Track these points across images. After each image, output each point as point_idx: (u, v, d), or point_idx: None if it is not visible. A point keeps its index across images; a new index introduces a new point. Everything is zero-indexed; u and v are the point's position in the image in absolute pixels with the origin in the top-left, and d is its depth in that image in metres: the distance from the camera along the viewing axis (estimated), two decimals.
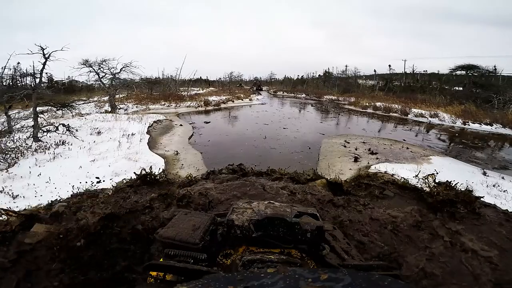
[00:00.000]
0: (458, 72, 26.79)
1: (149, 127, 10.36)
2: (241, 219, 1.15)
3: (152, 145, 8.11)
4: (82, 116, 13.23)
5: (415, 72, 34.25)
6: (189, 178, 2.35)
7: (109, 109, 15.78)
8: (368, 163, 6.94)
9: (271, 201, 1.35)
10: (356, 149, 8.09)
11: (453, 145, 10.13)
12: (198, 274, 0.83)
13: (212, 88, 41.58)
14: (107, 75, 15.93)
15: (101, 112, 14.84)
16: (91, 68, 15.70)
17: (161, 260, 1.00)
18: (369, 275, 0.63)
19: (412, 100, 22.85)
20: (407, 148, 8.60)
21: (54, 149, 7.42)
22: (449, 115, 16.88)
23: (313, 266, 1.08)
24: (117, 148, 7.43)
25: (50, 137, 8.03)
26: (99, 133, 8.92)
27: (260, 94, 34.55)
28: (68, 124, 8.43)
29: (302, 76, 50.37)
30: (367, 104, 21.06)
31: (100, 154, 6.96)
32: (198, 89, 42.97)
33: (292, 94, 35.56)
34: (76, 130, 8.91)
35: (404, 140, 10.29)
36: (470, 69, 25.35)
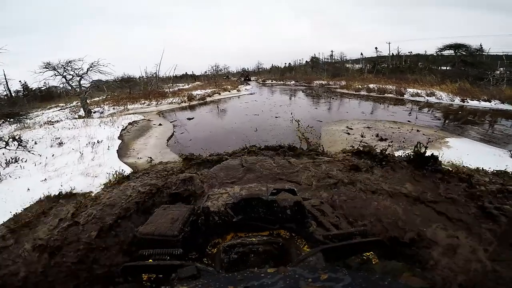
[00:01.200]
0: (445, 53, 26.28)
1: (122, 130, 9.05)
2: (216, 204, 1.16)
3: (122, 152, 6.86)
4: (52, 124, 11.83)
5: (400, 54, 33.58)
6: None
7: (83, 114, 14.38)
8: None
9: (250, 185, 1.41)
10: (362, 136, 6.97)
11: (462, 124, 9.16)
12: (172, 269, 0.80)
13: (198, 83, 39.96)
14: (74, 78, 14.33)
15: (73, 118, 13.41)
16: (55, 71, 14.10)
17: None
18: (369, 275, 0.64)
19: (403, 81, 22.11)
20: (418, 130, 7.57)
21: (4, 168, 6.14)
22: (446, 93, 16.04)
23: (303, 244, 1.05)
24: (78, 161, 6.17)
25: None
26: (60, 144, 7.58)
27: (249, 84, 33.19)
28: (19, 138, 7.09)
29: (289, 63, 48.82)
30: (359, 86, 20.02)
31: (55, 171, 5.69)
32: (183, 84, 41.33)
33: (281, 82, 34.34)
34: (35, 143, 7.62)
35: (409, 121, 9.30)
36: (458, 48, 24.83)
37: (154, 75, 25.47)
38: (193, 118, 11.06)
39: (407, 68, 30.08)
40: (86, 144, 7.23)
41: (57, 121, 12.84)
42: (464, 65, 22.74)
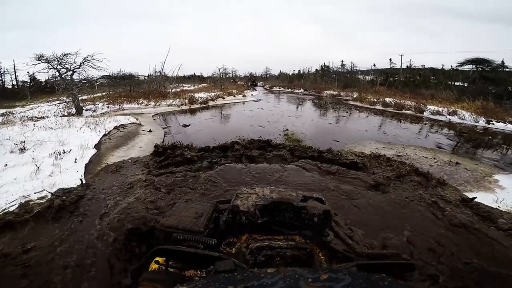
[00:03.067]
0: (462, 68, 25.33)
1: (104, 136, 7.74)
2: (246, 204, 1.15)
3: (91, 168, 5.51)
4: (37, 120, 10.63)
5: (412, 66, 32.47)
6: None
7: (75, 111, 13.14)
8: None
9: (274, 188, 1.34)
10: None
11: (500, 154, 7.73)
12: (209, 260, 0.80)
13: (204, 84, 38.84)
14: (69, 72, 13.11)
15: (62, 115, 12.17)
16: (48, 65, 12.90)
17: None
18: (369, 275, 0.64)
19: (419, 96, 20.83)
20: (457, 163, 6.14)
21: None
22: (469, 113, 14.60)
23: (318, 252, 1.05)
24: (30, 177, 4.85)
25: None
26: (23, 149, 6.26)
27: (255, 90, 31.98)
28: None
29: (299, 71, 47.59)
30: (375, 100, 18.56)
31: None
32: (189, 85, 40.34)
33: (289, 90, 33.02)
34: None
35: (440, 147, 7.89)
36: (480, 63, 23.30)
37: (159, 74, 24.14)
38: (189, 125, 9.70)
39: (421, 82, 28.61)
40: (50, 154, 5.90)
41: (42, 118, 11.63)
42: (484, 82, 21.39)
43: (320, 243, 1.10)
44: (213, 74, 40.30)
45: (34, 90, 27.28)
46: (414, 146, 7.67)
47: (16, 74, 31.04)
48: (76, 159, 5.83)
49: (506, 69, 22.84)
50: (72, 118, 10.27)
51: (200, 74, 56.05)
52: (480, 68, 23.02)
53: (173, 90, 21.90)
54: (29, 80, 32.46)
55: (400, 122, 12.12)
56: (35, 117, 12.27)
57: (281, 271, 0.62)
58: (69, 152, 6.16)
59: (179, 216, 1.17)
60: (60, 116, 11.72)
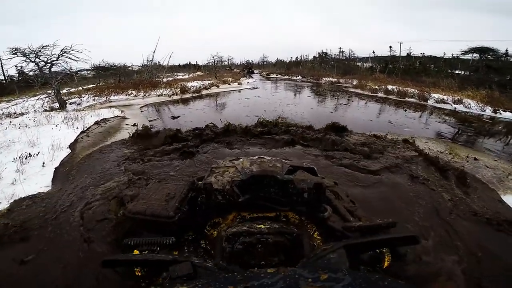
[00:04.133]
0: (465, 55, 24.44)
1: (82, 133, 6.97)
2: (221, 181, 1.05)
3: (63, 171, 4.78)
4: (16, 117, 9.82)
5: (411, 54, 31.81)
6: None
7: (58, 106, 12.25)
8: None
9: (262, 156, 1.30)
10: None
11: None
12: (163, 264, 0.72)
13: (199, 73, 37.72)
14: (48, 65, 12.15)
15: (44, 110, 11.32)
16: (25, 58, 11.93)
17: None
18: (369, 275, 0.65)
19: (420, 83, 20.41)
20: (475, 158, 5.47)
21: None
22: (475, 102, 13.93)
23: (314, 230, 0.99)
24: None
25: None
26: None
27: (252, 77, 30.92)
28: None
29: (296, 58, 46.25)
30: (376, 87, 17.74)
31: None
32: (184, 74, 39.25)
33: (287, 77, 32.01)
34: None
35: (453, 140, 7.22)
36: (484, 52, 22.63)
37: (150, 63, 23.01)
38: (178, 117, 8.88)
39: (422, 69, 27.79)
40: (15, 158, 5.14)
41: (22, 114, 10.76)
42: (487, 71, 20.88)
43: (317, 220, 1.03)
44: (208, 63, 38.95)
45: (22, 85, 26.17)
46: (425, 137, 6.98)
47: (3, 69, 29.50)
48: (44, 163, 5.07)
49: (511, 59, 22.08)
50: (52, 114, 9.45)
51: (195, 63, 54.63)
52: (484, 57, 22.37)
53: (164, 80, 20.92)
54: (17, 74, 31.20)
55: (405, 111, 11.37)
56: (15, 113, 11.40)
57: (281, 271, 0.62)
58: (37, 155, 5.40)
59: (148, 200, 1.12)
60: (42, 111, 10.90)
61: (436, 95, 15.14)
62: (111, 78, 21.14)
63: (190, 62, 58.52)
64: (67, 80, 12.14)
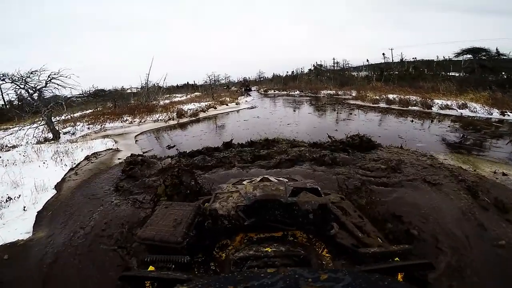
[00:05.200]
0: (458, 57, 24.44)
1: (71, 169, 6.46)
2: (226, 207, 1.08)
3: (46, 215, 4.23)
4: (9, 150, 9.35)
5: (403, 60, 31.91)
6: None
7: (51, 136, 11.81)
8: None
9: (266, 176, 1.36)
10: None
11: None
12: (179, 282, 0.73)
13: (197, 93, 37.72)
14: (36, 92, 11.80)
15: (37, 142, 10.87)
16: (14, 84, 11.59)
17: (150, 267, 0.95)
18: (369, 275, 0.64)
19: (420, 89, 20.01)
20: (503, 174, 4.90)
21: None
22: (480, 105, 13.54)
23: (323, 248, 0.97)
24: None
25: None
26: None
27: (250, 95, 30.77)
28: None
29: (292, 72, 46.49)
30: (377, 97, 17.39)
31: None
32: (181, 95, 39.30)
33: (284, 92, 31.86)
34: None
35: (470, 150, 6.67)
36: (477, 53, 22.58)
37: (145, 86, 22.80)
38: (174, 146, 8.34)
39: (418, 75, 27.67)
40: None
41: (14, 146, 10.30)
42: (483, 71, 20.72)
43: (325, 238, 0.99)
44: (205, 82, 39.03)
45: (17, 112, 25.88)
46: (442, 151, 6.45)
47: (3, 94, 29.27)
48: (25, 206, 4.54)
49: (503, 57, 22.18)
50: (42, 147, 8.96)
51: (193, 83, 55.10)
52: (477, 57, 22.24)
53: (161, 102, 20.67)
54: (17, 100, 31.08)
55: (412, 121, 10.88)
56: (6, 146, 10.94)
57: (281, 271, 0.63)
58: (18, 197, 4.87)
59: (156, 226, 1.13)
60: (35, 143, 10.46)
61: (439, 101, 14.73)
62: (109, 101, 20.88)
63: (188, 82, 59.13)
64: (58, 108, 11.64)
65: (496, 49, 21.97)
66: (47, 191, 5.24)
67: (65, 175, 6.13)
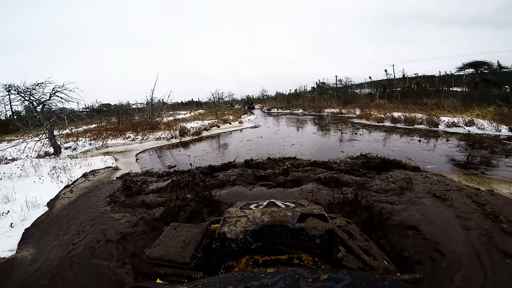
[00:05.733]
0: (460, 72, 24.23)
1: (67, 187, 6.22)
2: (234, 231, 1.10)
3: (33, 233, 3.95)
4: (8, 163, 9.19)
5: (405, 75, 31.78)
6: None
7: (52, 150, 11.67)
8: None
9: (273, 201, 1.39)
10: None
11: None
12: None
13: (201, 111, 37.92)
14: (40, 104, 11.80)
15: (38, 156, 10.72)
16: (19, 96, 11.63)
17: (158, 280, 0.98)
18: (369, 275, 0.67)
19: (423, 106, 19.77)
20: None
21: None
22: (487, 121, 13.31)
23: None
24: None
25: None
26: None
27: (253, 114, 30.82)
28: None
29: (295, 89, 46.92)
30: (382, 116, 17.21)
31: None
32: (185, 112, 39.56)
33: (288, 110, 31.87)
34: None
35: (484, 172, 6.33)
36: (479, 67, 22.46)
37: (149, 102, 22.89)
38: (175, 166, 8.09)
39: (421, 91, 27.51)
40: None
41: (14, 159, 10.15)
42: (487, 85, 20.39)
43: (331, 261, 0.97)
44: (209, 100, 39.50)
45: (26, 122, 25.99)
46: (455, 174, 6.12)
47: (11, 104, 29.37)
48: (12, 223, 4.27)
49: (504, 70, 21.87)
50: (41, 162, 8.78)
51: (198, 100, 55.79)
52: (479, 71, 22.04)
53: (165, 119, 20.67)
54: (25, 112, 31.27)
55: (420, 141, 10.58)
56: (6, 158, 10.78)
57: (281, 271, 0.62)
58: (6, 213, 4.61)
59: (165, 246, 1.16)
60: (35, 157, 10.30)
61: (445, 119, 14.47)
62: (113, 116, 20.85)
63: (192, 99, 59.95)
64: (60, 122, 11.57)
65: (498, 62, 21.79)
66: (38, 208, 4.99)
67: (59, 192, 5.89)
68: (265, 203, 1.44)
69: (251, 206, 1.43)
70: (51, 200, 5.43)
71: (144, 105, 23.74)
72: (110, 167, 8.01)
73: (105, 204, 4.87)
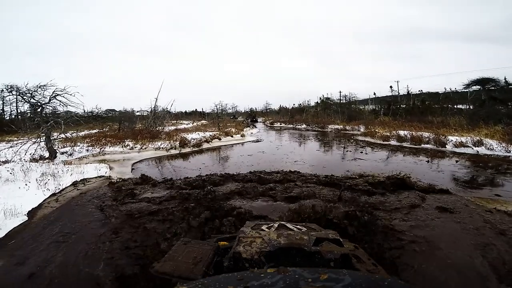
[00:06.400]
0: (467, 89, 24.22)
1: (53, 195, 5.81)
2: (249, 251, 1.10)
3: (4, 245, 3.54)
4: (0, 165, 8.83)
5: (410, 92, 31.67)
6: None
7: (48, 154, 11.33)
8: None
9: (283, 223, 1.43)
10: None
11: None
12: None
13: (204, 121, 37.84)
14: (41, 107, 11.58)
15: (32, 159, 10.38)
16: (20, 97, 11.49)
17: None
18: (369, 275, 0.67)
19: (429, 124, 19.44)
20: None
21: None
22: (496, 142, 12.92)
23: None
24: None
25: None
26: None
27: (255, 127, 30.61)
28: None
29: (300, 104, 46.87)
30: (388, 134, 16.82)
31: None
32: (188, 122, 39.49)
33: (291, 125, 31.59)
34: None
35: (498, 195, 5.89)
36: (485, 83, 22.13)
37: (153, 111, 22.70)
38: (171, 179, 7.66)
39: (426, 108, 27.16)
40: None
41: (6, 161, 9.79)
42: (494, 103, 19.99)
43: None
44: (213, 111, 39.56)
45: (28, 123, 25.83)
46: (469, 198, 5.67)
47: (17, 105, 29.03)
48: None
49: (511, 87, 21.56)
50: (32, 166, 8.43)
51: (202, 110, 56.10)
52: (486, 88, 21.95)
53: (165, 129, 20.41)
54: (30, 113, 31.19)
55: (428, 162, 10.14)
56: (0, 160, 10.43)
57: (281, 271, 0.62)
58: None
59: (175, 261, 1.15)
60: (29, 160, 9.95)
61: (453, 138, 14.02)
62: (116, 122, 20.67)
63: (196, 110, 60.21)
64: (57, 126, 11.30)
65: (505, 78, 21.52)
66: (16, 217, 4.59)
67: (44, 200, 5.49)
68: (276, 225, 1.43)
69: (263, 227, 1.41)
70: (33, 209, 5.02)
71: (148, 113, 23.62)
72: (103, 176, 7.63)
73: (90, 218, 4.44)
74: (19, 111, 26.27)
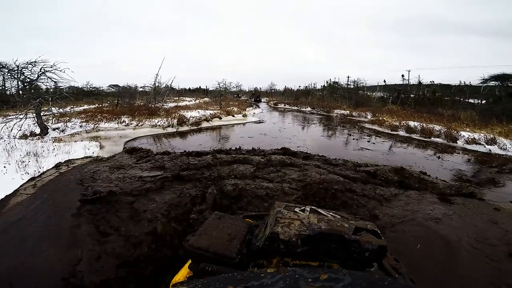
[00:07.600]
0: (485, 83, 22.76)
1: (32, 179, 5.31)
2: (287, 232, 1.09)
3: None
4: None
5: (421, 82, 30.10)
6: None
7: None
8: None
9: (314, 208, 1.37)
10: None
11: None
12: None
13: (206, 99, 36.98)
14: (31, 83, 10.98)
15: (21, 136, 9.89)
16: (10, 73, 10.85)
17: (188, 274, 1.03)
18: (369, 275, 0.65)
19: (438, 116, 18.83)
20: None
21: None
22: (510, 141, 12.33)
23: None
24: None
25: None
26: None
27: (259, 107, 29.74)
28: None
29: (306, 86, 45.48)
30: (397, 124, 16.06)
31: None
32: (190, 99, 38.68)
33: (295, 107, 30.66)
34: None
35: None
36: (505, 80, 20.94)
37: (153, 86, 21.85)
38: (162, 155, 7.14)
39: (437, 99, 26.04)
40: None
41: None
42: (510, 100, 19.11)
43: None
44: (216, 88, 38.52)
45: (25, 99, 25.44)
46: (489, 199, 5.14)
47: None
48: None
49: None
50: (17, 145, 7.93)
51: (206, 87, 54.97)
52: (505, 84, 20.69)
53: (166, 106, 19.71)
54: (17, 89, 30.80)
55: (438, 158, 9.53)
56: None
57: (281, 271, 0.63)
58: None
59: (210, 236, 1.16)
60: (17, 138, 9.47)
61: (465, 134, 13.33)
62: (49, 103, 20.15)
63: (200, 87, 59.09)
64: (46, 103, 10.76)
65: None
66: None
67: (20, 186, 4.99)
68: (308, 209, 1.39)
69: (296, 209, 1.37)
70: (6, 196, 4.53)
71: (151, 89, 22.83)
72: (91, 156, 7.09)
73: (68, 208, 3.94)
74: (19, 86, 25.64)
